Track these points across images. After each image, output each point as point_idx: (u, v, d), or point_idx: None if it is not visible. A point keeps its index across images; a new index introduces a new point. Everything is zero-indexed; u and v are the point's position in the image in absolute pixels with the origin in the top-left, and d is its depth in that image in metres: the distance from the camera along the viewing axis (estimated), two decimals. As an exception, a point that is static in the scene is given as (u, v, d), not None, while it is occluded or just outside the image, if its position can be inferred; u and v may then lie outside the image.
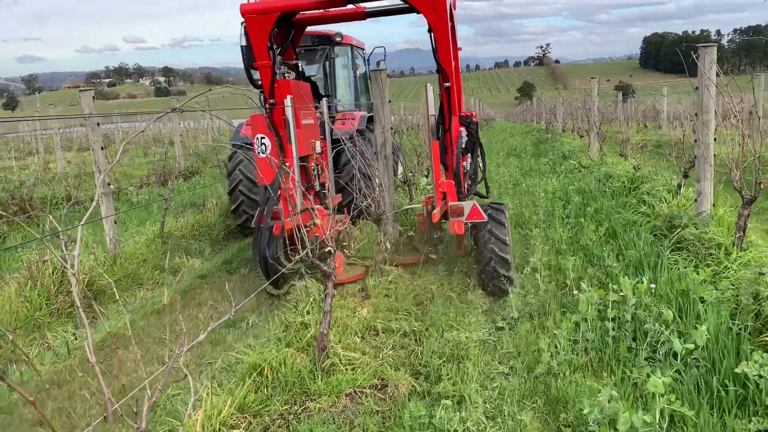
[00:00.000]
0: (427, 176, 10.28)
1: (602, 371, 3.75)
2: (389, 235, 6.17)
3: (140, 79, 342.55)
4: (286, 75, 5.75)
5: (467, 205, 5.26)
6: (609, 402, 2.99)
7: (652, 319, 3.88)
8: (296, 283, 5.38)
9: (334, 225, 4.72)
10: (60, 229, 2.49)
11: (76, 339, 5.09)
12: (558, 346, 3.99)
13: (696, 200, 5.85)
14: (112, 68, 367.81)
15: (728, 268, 4.67)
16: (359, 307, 4.92)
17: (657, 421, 2.84)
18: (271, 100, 5.53)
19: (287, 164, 5.37)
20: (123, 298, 6.08)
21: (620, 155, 12.37)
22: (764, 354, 3.18)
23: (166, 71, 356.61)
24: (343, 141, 5.65)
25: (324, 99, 6.74)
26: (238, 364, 4.22)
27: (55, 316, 5.45)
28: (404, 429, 3.27)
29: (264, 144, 5.57)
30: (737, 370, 3.14)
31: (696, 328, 3.52)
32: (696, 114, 5.68)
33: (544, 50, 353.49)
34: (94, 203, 1.94)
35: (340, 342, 4.19)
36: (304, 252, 3.63)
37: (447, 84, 5.34)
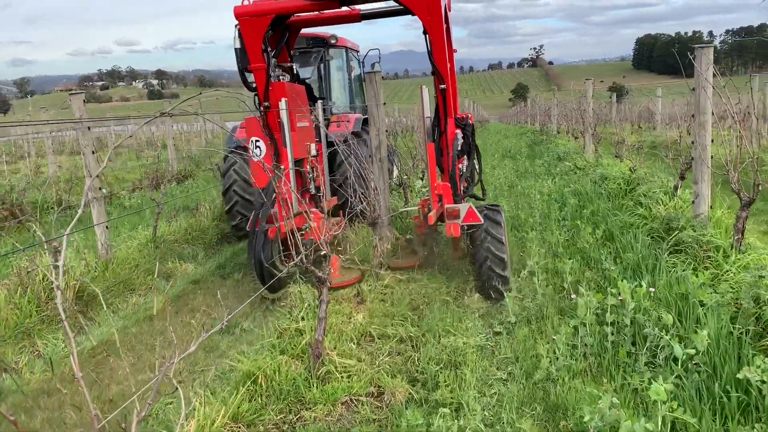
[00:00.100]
0: (422, 179, 10.23)
1: (602, 377, 3.70)
2: (385, 239, 6.11)
3: (133, 82, 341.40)
4: (281, 77, 5.69)
5: (463, 208, 5.22)
6: (610, 409, 2.93)
7: (651, 324, 3.83)
8: (291, 288, 5.31)
9: (329, 228, 4.65)
10: (44, 239, 2.42)
11: (66, 347, 5.00)
12: (557, 351, 3.93)
13: (693, 202, 5.82)
14: (105, 71, 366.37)
15: (727, 271, 4.62)
16: (355, 312, 4.85)
17: (659, 429, 2.79)
18: (266, 103, 5.47)
19: (282, 167, 5.31)
20: (115, 305, 5.99)
21: (615, 157, 12.35)
22: (766, 359, 3.13)
23: (159, 74, 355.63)
24: (337, 144, 5.59)
25: (319, 101, 6.68)
26: (232, 371, 4.14)
27: (45, 323, 5.36)
28: (401, 438, 3.21)
29: (259, 147, 5.51)
30: (739, 376, 3.09)
31: (696, 332, 3.47)
32: (693, 115, 5.64)
33: (537, 52, 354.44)
34: (80, 211, 1.87)
35: (335, 348, 4.12)
36: (299, 258, 3.56)
37: (442, 86, 5.30)
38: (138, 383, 4.30)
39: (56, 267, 1.69)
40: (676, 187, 7.32)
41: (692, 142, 5.80)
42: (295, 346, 4.18)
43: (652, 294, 4.23)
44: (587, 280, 5.32)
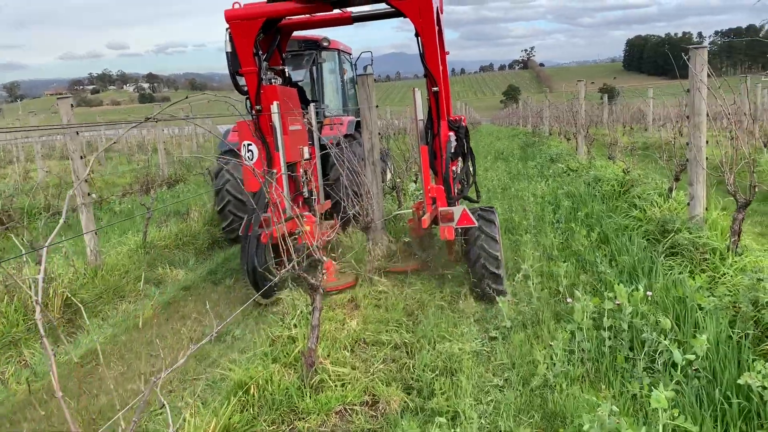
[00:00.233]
0: (415, 182, 10.17)
1: (600, 383, 3.64)
2: (379, 244, 6.04)
3: (124, 86, 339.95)
4: (273, 81, 5.63)
5: (457, 211, 5.18)
6: (609, 417, 2.87)
7: (649, 328, 3.77)
8: (282, 295, 5.23)
9: (323, 233, 4.58)
10: (23, 251, 2.33)
11: (55, 356, 4.89)
12: (554, 357, 3.87)
13: (688, 204, 5.78)
14: (96, 75, 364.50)
15: (724, 274, 4.58)
16: (348, 318, 4.78)
17: (660, 437, 2.73)
18: (258, 107, 5.41)
19: (275, 171, 5.25)
20: (104, 312, 5.89)
21: (609, 158, 12.33)
22: (767, 364, 3.08)
23: (150, 77, 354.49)
24: (329, 147, 5.52)
25: (311, 104, 6.62)
26: (223, 381, 4.06)
27: (32, 332, 5.25)
28: (397, 449, 3.14)
29: (251, 151, 5.45)
30: (740, 381, 3.03)
31: (695, 337, 3.42)
32: (688, 117, 5.61)
33: (528, 54, 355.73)
34: (62, 220, 1.79)
35: (329, 356, 4.05)
36: (291, 265, 3.49)
37: (435, 88, 5.25)
38: (127, 393, 4.21)
39: (35, 281, 1.61)
40: (670, 189, 7.29)
41: (687, 144, 5.76)
42: (287, 354, 4.10)
43: (649, 298, 4.18)
44: (583, 283, 5.27)
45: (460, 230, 5.37)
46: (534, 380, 3.72)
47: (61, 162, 21.48)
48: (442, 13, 5.61)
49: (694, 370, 3.32)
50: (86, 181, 6.64)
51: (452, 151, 5.50)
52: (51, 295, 5.49)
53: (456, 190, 5.60)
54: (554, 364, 3.79)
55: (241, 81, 5.48)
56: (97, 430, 2.07)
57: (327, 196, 7.05)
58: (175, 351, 4.93)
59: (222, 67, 5.54)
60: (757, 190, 4.68)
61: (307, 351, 3.81)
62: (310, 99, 8.00)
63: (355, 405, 3.63)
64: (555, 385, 3.63)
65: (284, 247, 3.60)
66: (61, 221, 1.75)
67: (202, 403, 3.68)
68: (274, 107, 5.30)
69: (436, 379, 3.80)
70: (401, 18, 5.28)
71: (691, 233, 5.41)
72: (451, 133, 5.57)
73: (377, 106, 6.73)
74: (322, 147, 6.75)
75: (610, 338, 3.88)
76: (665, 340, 3.54)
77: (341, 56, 9.26)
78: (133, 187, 12.39)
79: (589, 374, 3.74)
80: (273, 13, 5.19)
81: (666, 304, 4.19)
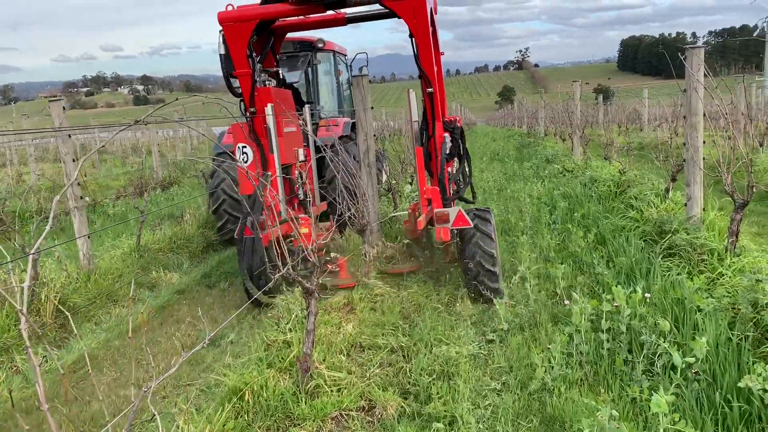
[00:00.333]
0: (411, 183, 10.13)
1: (599, 386, 3.60)
2: (375, 246, 6.00)
3: (118, 88, 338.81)
4: (267, 83, 5.58)
5: (453, 212, 5.15)
6: (609, 422, 2.83)
7: (648, 331, 3.74)
8: (277, 299, 5.18)
9: (318, 235, 4.53)
10: (8, 259, 2.28)
11: (47, 361, 4.84)
12: (552, 360, 3.82)
13: (686, 204, 5.75)
14: (90, 77, 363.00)
15: (722, 275, 4.55)
16: (344, 322, 4.73)
17: (661, 442, 2.69)
18: (252, 109, 5.37)
19: (269, 173, 5.20)
20: (98, 317, 5.83)
21: (604, 159, 12.31)
22: (767, 366, 3.05)
23: (145, 79, 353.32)
24: (323, 149, 5.47)
25: (306, 106, 6.57)
26: (218, 386, 4.01)
27: (32, 331, 5.18)
28: (394, 455, 3.09)
29: (245, 153, 5.41)
30: (741, 385, 3.00)
31: (694, 339, 3.38)
32: (684, 117, 5.58)
33: (523, 54, 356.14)
34: (47, 227, 1.74)
35: (324, 361, 3.99)
36: (285, 269, 3.44)
37: (430, 89, 5.21)
38: (120, 400, 4.15)
39: (20, 288, 1.56)
40: (667, 189, 7.27)
41: (684, 144, 5.74)
42: (282, 359, 4.04)
43: (647, 300, 4.14)
44: (580, 285, 5.24)
45: (455, 231, 5.33)
46: (532, 384, 3.68)
47: (55, 165, 21.35)
48: (436, 13, 5.57)
49: (695, 373, 3.28)
50: (79, 184, 6.57)
51: (447, 152, 5.47)
52: (43, 300, 5.43)
53: (451, 191, 5.56)
54: (552, 368, 3.75)
55: (235, 83, 5.44)
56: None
57: (323, 198, 7.01)
58: (168, 356, 4.88)
59: (217, 68, 5.50)
60: (755, 190, 4.65)
61: (302, 356, 3.76)
62: (305, 100, 7.95)
63: (351, 410, 3.58)
64: (553, 389, 3.59)
65: (279, 251, 3.55)
66: (47, 228, 1.70)
67: (196, 410, 3.62)
68: (269, 109, 5.26)
69: (433, 384, 3.75)
70: (395, 19, 5.24)
71: (688, 234, 5.38)
72: (446, 134, 5.54)
73: (372, 108, 6.69)
74: (318, 149, 6.70)
75: (608, 341, 3.85)
76: (664, 342, 3.51)
77: (336, 57, 9.22)
78: (127, 189, 12.32)
79: (587, 377, 3.70)
80: (266, 15, 5.15)
81: (664, 305, 4.15)
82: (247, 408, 3.57)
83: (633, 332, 3.86)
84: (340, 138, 7.69)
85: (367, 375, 3.95)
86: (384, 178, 9.42)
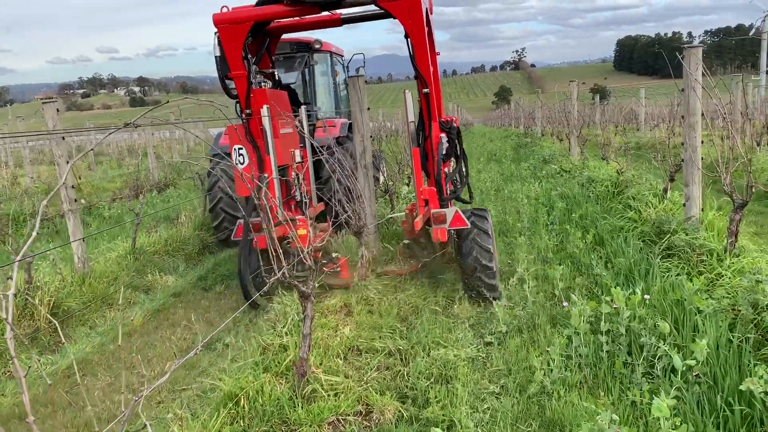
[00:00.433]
0: (408, 184, 10.09)
1: (598, 389, 3.56)
2: (371, 248, 5.96)
3: (115, 90, 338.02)
4: (263, 84, 5.55)
5: (450, 212, 5.12)
6: (609, 425, 2.79)
7: (647, 332, 3.70)
8: (273, 303, 5.14)
9: (315, 237, 4.49)
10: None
11: (43, 367, 4.80)
12: (551, 362, 3.79)
13: (684, 205, 5.72)
14: (86, 79, 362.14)
15: (722, 276, 4.52)
16: (341, 325, 4.68)
17: (662, 447, 2.65)
18: (248, 110, 5.33)
19: (266, 175, 5.16)
20: (92, 320, 5.78)
21: (602, 159, 12.28)
22: (768, 369, 3.01)
23: (141, 81, 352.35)
24: (319, 151, 5.43)
25: (303, 107, 6.54)
26: (213, 391, 3.96)
27: (18, 341, 5.13)
28: (392, 461, 3.04)
29: (242, 155, 5.37)
30: (742, 387, 2.96)
31: (694, 341, 3.35)
32: (683, 117, 5.55)
33: (519, 55, 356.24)
34: (34, 233, 1.69)
35: (321, 365, 3.95)
36: (280, 272, 3.39)
37: (426, 90, 5.18)
38: (114, 405, 4.10)
39: (6, 296, 1.51)
40: (665, 190, 7.23)
41: (682, 144, 5.71)
42: (279, 363, 4.00)
43: (646, 301, 4.11)
44: (578, 286, 5.20)
45: (452, 230, 5.31)
46: (531, 387, 3.64)
47: (51, 167, 21.26)
48: (431, 14, 5.54)
49: (695, 375, 3.25)
50: (74, 186, 6.51)
51: (444, 152, 5.45)
52: (37, 303, 5.37)
53: (448, 192, 5.53)
54: (551, 370, 3.71)
55: (231, 85, 5.40)
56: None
57: (319, 199, 6.97)
58: (163, 360, 4.83)
59: (213, 69, 5.46)
60: (754, 190, 4.62)
61: (298, 360, 3.72)
62: (302, 101, 7.92)
63: (349, 415, 3.54)
64: (552, 392, 3.55)
65: (274, 254, 3.50)
66: (33, 233, 1.65)
67: (191, 415, 3.57)
68: (264, 111, 5.23)
69: (431, 387, 3.71)
70: (392, 19, 5.21)
71: (687, 234, 5.34)
72: (443, 135, 5.51)
73: (369, 109, 6.65)
74: (315, 150, 6.67)
75: (607, 343, 3.81)
76: (664, 344, 3.47)
77: (333, 58, 9.19)
78: (123, 191, 12.25)
79: (587, 380, 3.66)
80: (261, 17, 5.12)
81: (664, 307, 4.11)
82: (242, 413, 3.53)
83: (632, 334, 3.82)
84: (337, 139, 7.66)
85: (365, 379, 3.91)
86: (381, 179, 9.38)
